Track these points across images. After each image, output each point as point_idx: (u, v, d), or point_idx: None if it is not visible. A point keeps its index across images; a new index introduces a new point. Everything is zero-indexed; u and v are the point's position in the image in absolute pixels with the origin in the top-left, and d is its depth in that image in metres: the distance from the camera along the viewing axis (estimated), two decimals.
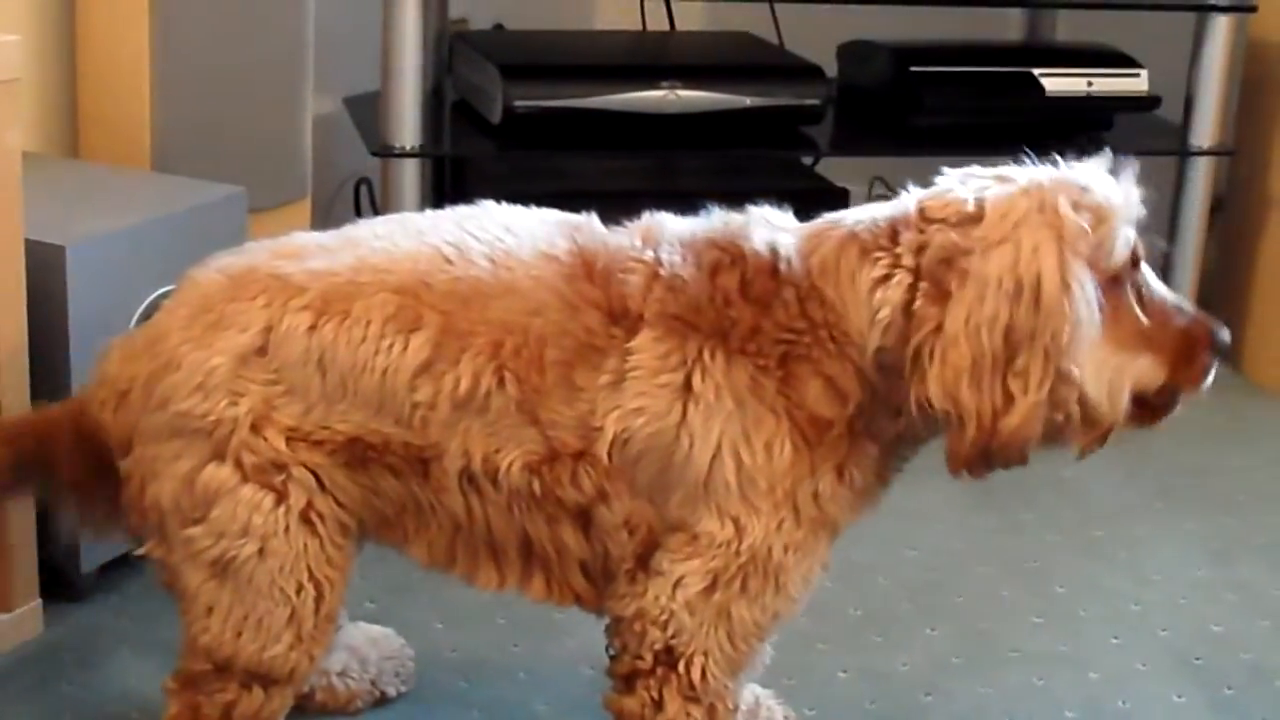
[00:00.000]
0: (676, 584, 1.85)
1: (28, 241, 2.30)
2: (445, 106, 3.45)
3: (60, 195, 2.53)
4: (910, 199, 1.84)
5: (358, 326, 1.85)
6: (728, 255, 1.85)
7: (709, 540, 1.84)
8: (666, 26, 3.74)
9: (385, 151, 3.16)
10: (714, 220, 1.91)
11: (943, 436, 1.83)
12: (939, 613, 2.71)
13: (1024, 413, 1.74)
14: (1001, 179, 1.82)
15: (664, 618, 1.87)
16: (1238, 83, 3.62)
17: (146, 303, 2.44)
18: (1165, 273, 3.61)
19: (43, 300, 2.33)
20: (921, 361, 1.75)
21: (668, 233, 1.90)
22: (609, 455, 1.83)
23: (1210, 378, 1.87)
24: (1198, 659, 2.62)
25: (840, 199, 3.55)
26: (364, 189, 3.74)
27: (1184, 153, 3.58)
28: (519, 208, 1.99)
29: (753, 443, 1.81)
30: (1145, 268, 1.87)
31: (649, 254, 1.86)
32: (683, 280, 1.84)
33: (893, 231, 1.81)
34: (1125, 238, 1.80)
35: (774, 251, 1.85)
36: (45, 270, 2.33)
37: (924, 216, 1.79)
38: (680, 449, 1.82)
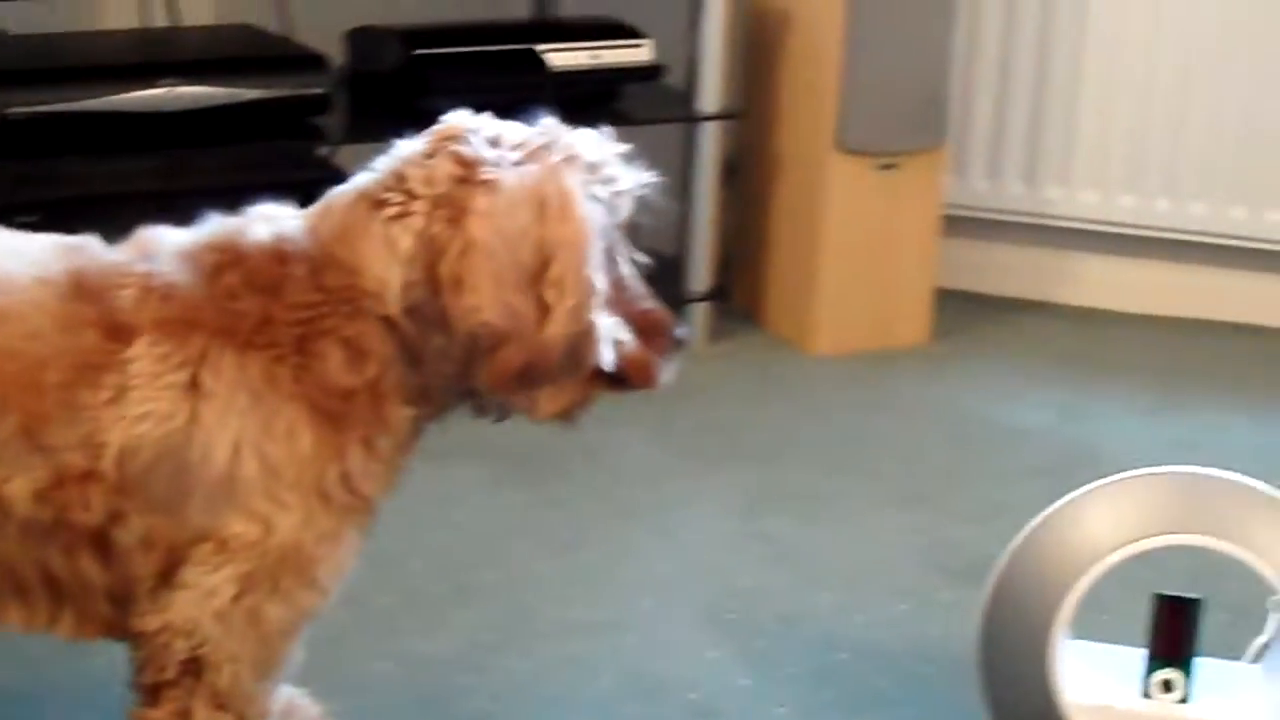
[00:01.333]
0: (206, 596, 1.81)
1: None
2: None
3: None
4: (412, 143, 1.85)
5: None
6: (227, 256, 1.82)
7: (238, 543, 1.80)
8: (168, 24, 3.67)
9: None
10: (211, 226, 1.88)
11: (467, 406, 1.87)
12: (474, 592, 2.73)
13: (563, 320, 1.76)
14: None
15: (189, 628, 1.83)
16: (740, 47, 3.71)
17: None
18: (683, 235, 3.70)
19: None
20: (458, 282, 1.76)
21: (164, 245, 1.86)
22: (117, 469, 1.78)
23: (667, 370, 1.93)
24: (729, 615, 2.68)
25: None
26: None
27: (690, 118, 3.66)
28: (16, 234, 1.92)
29: (272, 435, 1.78)
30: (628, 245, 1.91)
31: (142, 267, 1.82)
32: (179, 288, 1.80)
33: (399, 175, 1.81)
34: (626, 202, 1.86)
35: (277, 237, 1.83)
36: None
37: (431, 148, 1.82)
38: (194, 450, 1.78)
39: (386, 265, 1.79)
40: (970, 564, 2.78)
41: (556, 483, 3.10)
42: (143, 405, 1.77)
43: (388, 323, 1.80)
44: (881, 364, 3.71)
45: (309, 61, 3.34)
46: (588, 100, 3.66)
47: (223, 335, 1.79)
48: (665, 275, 3.72)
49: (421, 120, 3.37)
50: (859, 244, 3.73)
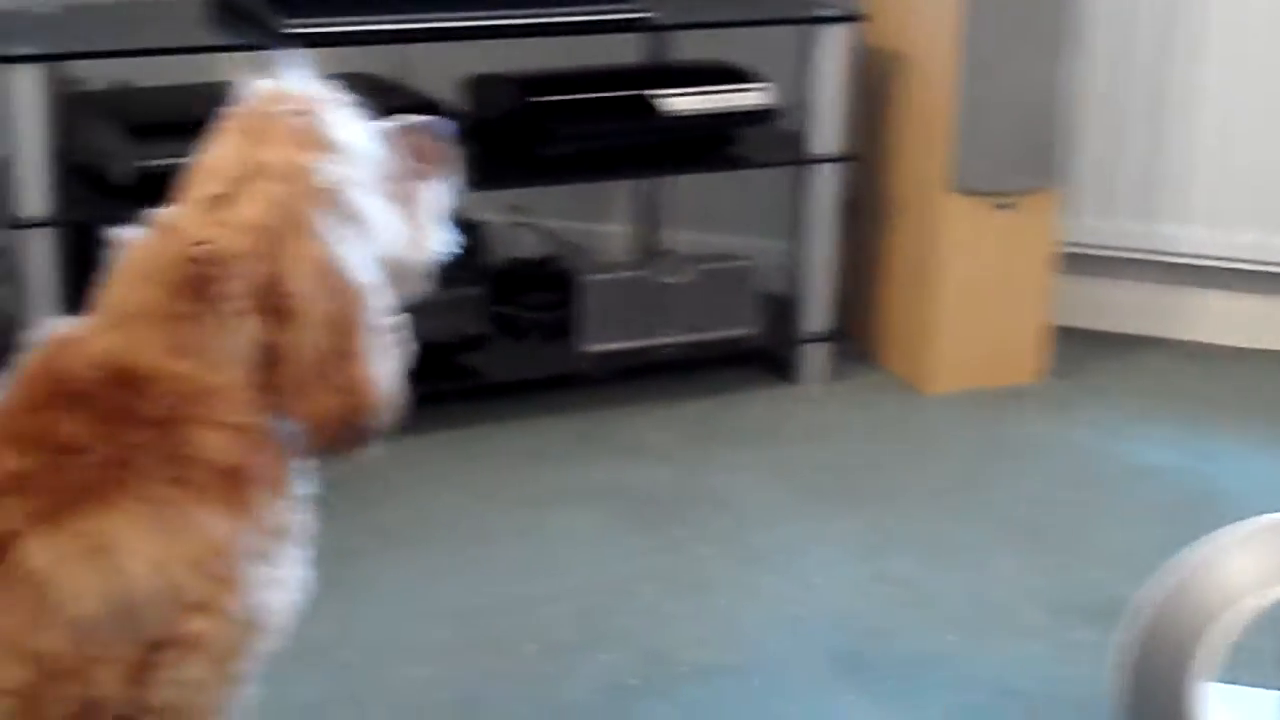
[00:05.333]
0: (183, 682, 1.81)
1: None
2: (67, 170, 3.38)
3: None
4: (170, 245, 1.80)
5: None
6: (61, 404, 1.77)
7: (197, 638, 1.79)
8: None
9: (15, 223, 3.10)
10: (14, 387, 1.80)
11: None
12: (609, 637, 2.75)
13: (371, 383, 1.82)
14: (231, 179, 1.80)
15: (165, 704, 1.82)
16: (855, 89, 3.73)
17: None
18: (799, 277, 3.72)
19: None
20: (278, 378, 1.79)
21: None
22: (68, 656, 1.74)
23: (450, 157, 1.98)
24: (859, 656, 2.69)
25: (480, 231, 3.60)
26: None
27: (806, 161, 3.68)
28: None
29: (182, 537, 1.76)
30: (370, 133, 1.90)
31: None
32: (24, 474, 1.74)
33: (199, 286, 1.77)
34: (366, 151, 1.87)
35: (103, 366, 1.77)
36: None
37: (213, 263, 1.77)
38: (132, 593, 1.74)
39: (233, 373, 1.79)
40: (1101, 605, 2.78)
41: (679, 526, 3.12)
42: (63, 589, 1.73)
43: (247, 397, 1.81)
44: (999, 403, 3.70)
45: (433, 109, 3.38)
46: (702, 144, 3.69)
47: (91, 498, 1.74)
48: (782, 316, 3.77)
49: (540, 166, 3.46)
50: (975, 283, 3.74)
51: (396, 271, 1.90)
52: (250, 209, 1.78)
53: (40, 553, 1.72)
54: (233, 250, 1.77)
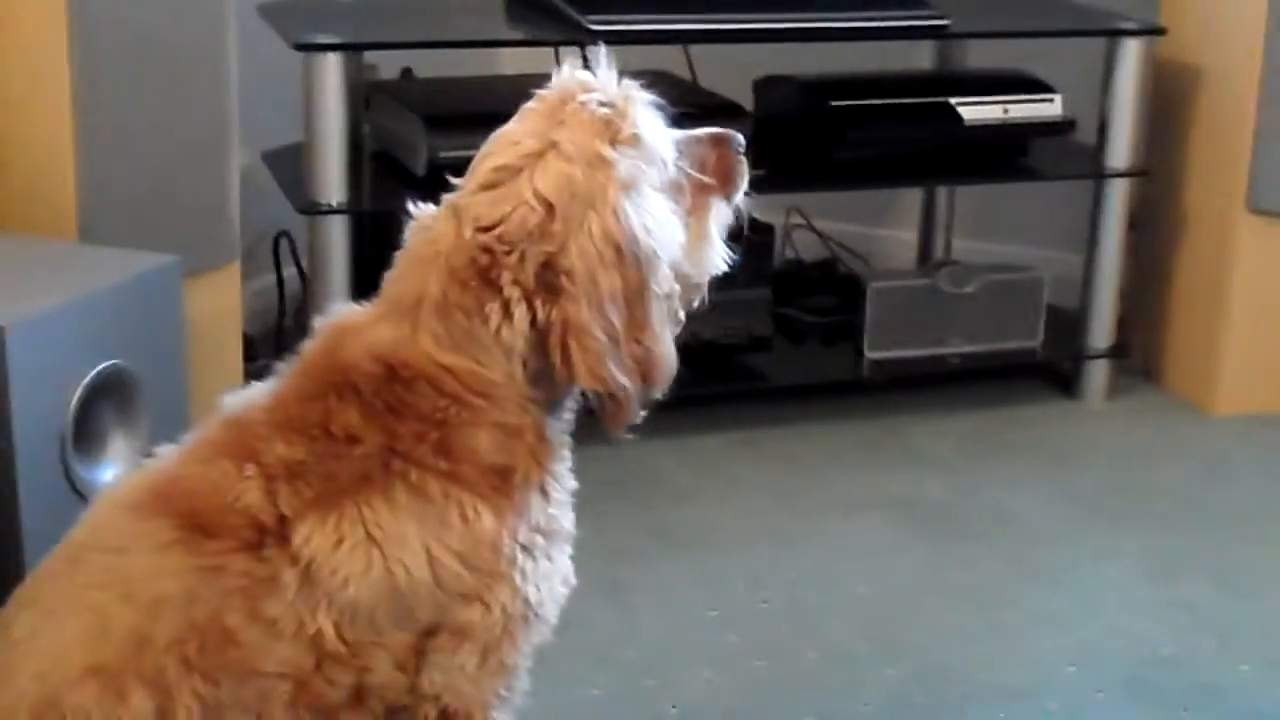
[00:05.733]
0: (456, 670, 1.84)
1: None
2: (365, 158, 3.43)
3: None
4: (455, 229, 1.80)
5: None
6: (334, 394, 1.80)
7: (469, 627, 1.82)
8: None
9: (312, 209, 3.14)
10: (292, 375, 1.85)
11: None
12: (895, 650, 2.72)
13: (662, 355, 1.82)
14: (525, 154, 1.79)
15: (444, 695, 1.86)
16: (1149, 103, 3.65)
17: (86, 381, 2.41)
18: (1086, 291, 3.66)
19: None
20: (568, 356, 1.77)
21: (250, 425, 1.82)
22: (344, 641, 1.79)
23: (741, 175, 1.95)
24: (1150, 684, 2.64)
25: (766, 233, 3.58)
26: (284, 242, 3.71)
27: (1100, 175, 3.62)
28: (105, 515, 1.86)
29: (453, 531, 1.79)
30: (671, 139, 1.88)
31: (249, 468, 1.79)
32: (297, 461, 1.79)
33: (482, 271, 1.78)
34: (664, 154, 1.84)
35: (374, 355, 1.80)
36: None
37: (501, 240, 1.77)
38: (400, 579, 1.78)
39: (507, 367, 1.79)
40: None
41: (964, 541, 3.08)
42: (335, 576, 1.77)
43: (522, 400, 1.81)
44: None
45: (728, 110, 3.38)
46: (997, 154, 3.65)
47: (364, 487, 1.78)
48: (1066, 330, 3.71)
49: (832, 170, 3.44)
50: (1267, 304, 3.65)
51: (687, 275, 1.88)
52: (541, 182, 1.77)
53: (313, 538, 1.76)
54: (517, 227, 1.76)
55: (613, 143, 1.80)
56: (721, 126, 3.20)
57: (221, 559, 1.76)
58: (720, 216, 1.93)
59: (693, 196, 1.89)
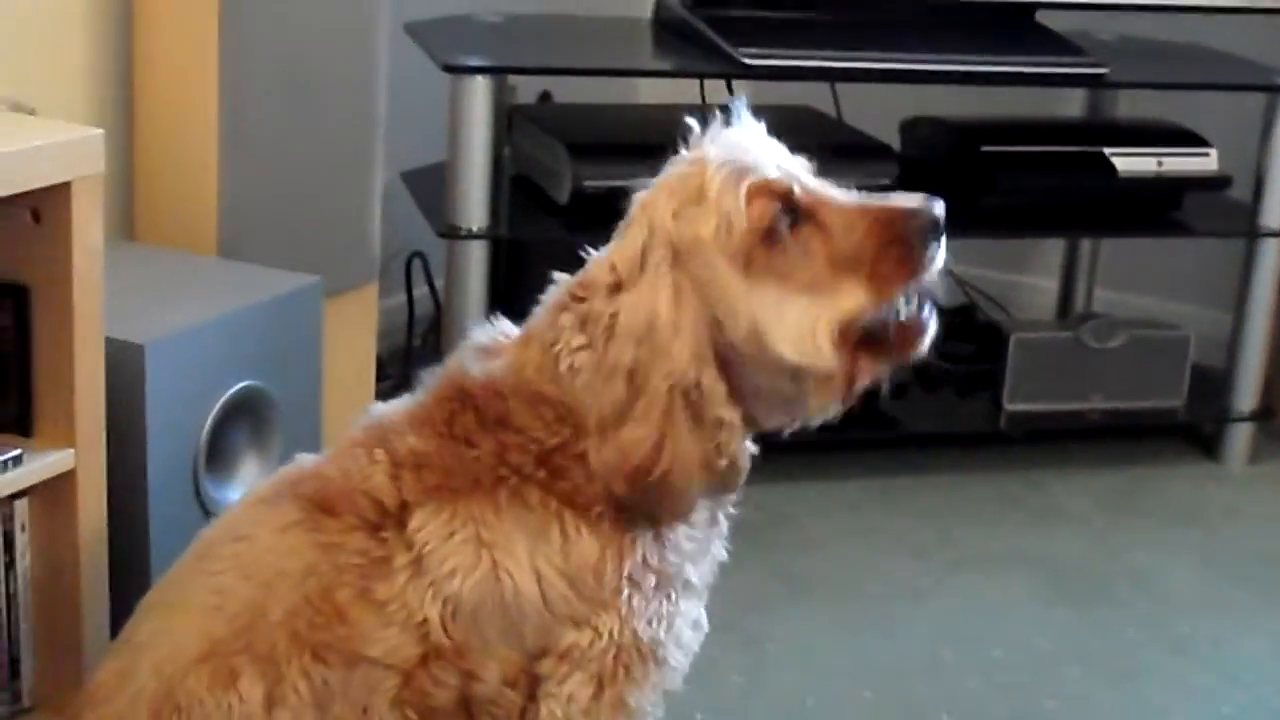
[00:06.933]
0: (568, 701, 1.82)
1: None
2: (505, 182, 3.38)
3: (130, 286, 2.43)
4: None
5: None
6: (457, 401, 1.84)
7: (577, 652, 1.81)
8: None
9: (452, 233, 3.10)
10: (431, 380, 1.89)
11: None
12: (1033, 718, 2.64)
13: (660, 453, 1.73)
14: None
15: None
16: None
17: (222, 400, 2.37)
18: (1233, 351, 3.57)
19: (119, 400, 2.25)
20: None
21: (388, 423, 1.87)
22: (448, 634, 1.79)
23: (934, 258, 1.80)
24: None
25: None
26: (417, 263, 3.67)
27: (1254, 234, 3.52)
28: (236, 511, 1.92)
29: (556, 548, 1.79)
30: (816, 193, 1.78)
31: (379, 453, 1.83)
32: (424, 453, 1.82)
33: (574, 316, 1.79)
34: (734, 208, 1.73)
35: (490, 376, 1.83)
36: (122, 369, 2.25)
37: (574, 295, 1.79)
38: (506, 588, 1.79)
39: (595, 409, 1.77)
40: None
41: (1104, 606, 3.00)
42: (445, 565, 1.78)
43: None
44: None
45: (877, 151, 3.32)
46: (1148, 207, 3.56)
47: (478, 487, 1.80)
48: (1210, 390, 3.62)
49: (981, 218, 3.37)
50: None
51: (755, 358, 1.76)
52: (630, 245, 1.77)
53: (428, 525, 1.79)
54: (594, 280, 1.78)
55: (682, 203, 1.76)
56: (870, 168, 3.19)
57: (341, 536, 1.80)
58: (831, 304, 1.75)
59: (835, 276, 1.75)
